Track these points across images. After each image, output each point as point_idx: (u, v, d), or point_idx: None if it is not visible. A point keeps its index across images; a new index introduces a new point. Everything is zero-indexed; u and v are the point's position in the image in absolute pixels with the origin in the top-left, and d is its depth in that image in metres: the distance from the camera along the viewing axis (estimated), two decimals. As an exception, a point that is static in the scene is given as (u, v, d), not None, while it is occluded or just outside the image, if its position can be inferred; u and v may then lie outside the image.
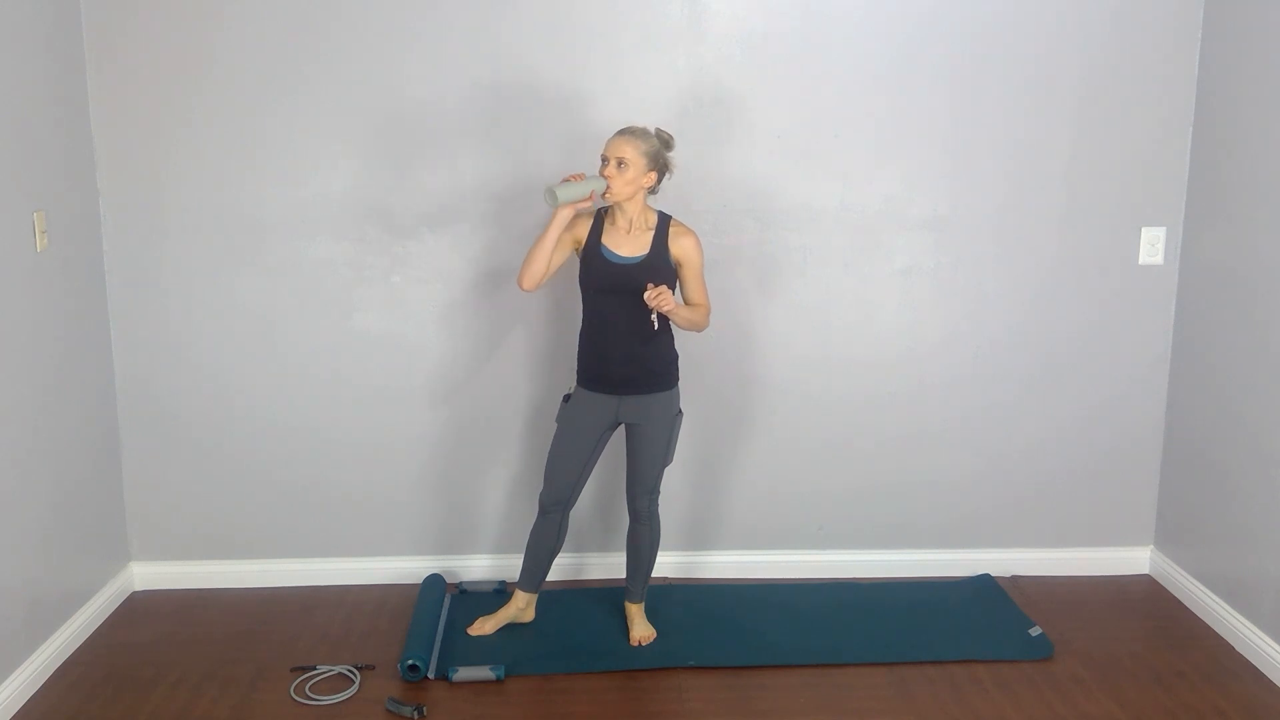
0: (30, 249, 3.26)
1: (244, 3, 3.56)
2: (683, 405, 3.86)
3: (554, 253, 3.30)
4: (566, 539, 3.64)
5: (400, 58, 3.62)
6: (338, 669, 3.35)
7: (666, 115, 3.67)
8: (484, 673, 3.29)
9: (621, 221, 3.31)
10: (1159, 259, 3.84)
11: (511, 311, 3.79)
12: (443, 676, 3.29)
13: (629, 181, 3.21)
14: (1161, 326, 3.90)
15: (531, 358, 3.83)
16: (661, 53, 3.66)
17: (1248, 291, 3.48)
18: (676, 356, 3.43)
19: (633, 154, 3.20)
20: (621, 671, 3.35)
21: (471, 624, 3.57)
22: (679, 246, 3.30)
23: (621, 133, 3.24)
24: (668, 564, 3.95)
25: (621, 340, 3.31)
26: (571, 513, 3.54)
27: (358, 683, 3.28)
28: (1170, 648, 3.52)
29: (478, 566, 3.96)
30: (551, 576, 3.93)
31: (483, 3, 3.59)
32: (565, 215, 3.24)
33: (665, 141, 3.29)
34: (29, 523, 3.27)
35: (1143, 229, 3.83)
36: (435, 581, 3.80)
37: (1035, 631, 3.56)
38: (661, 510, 3.86)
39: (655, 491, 3.49)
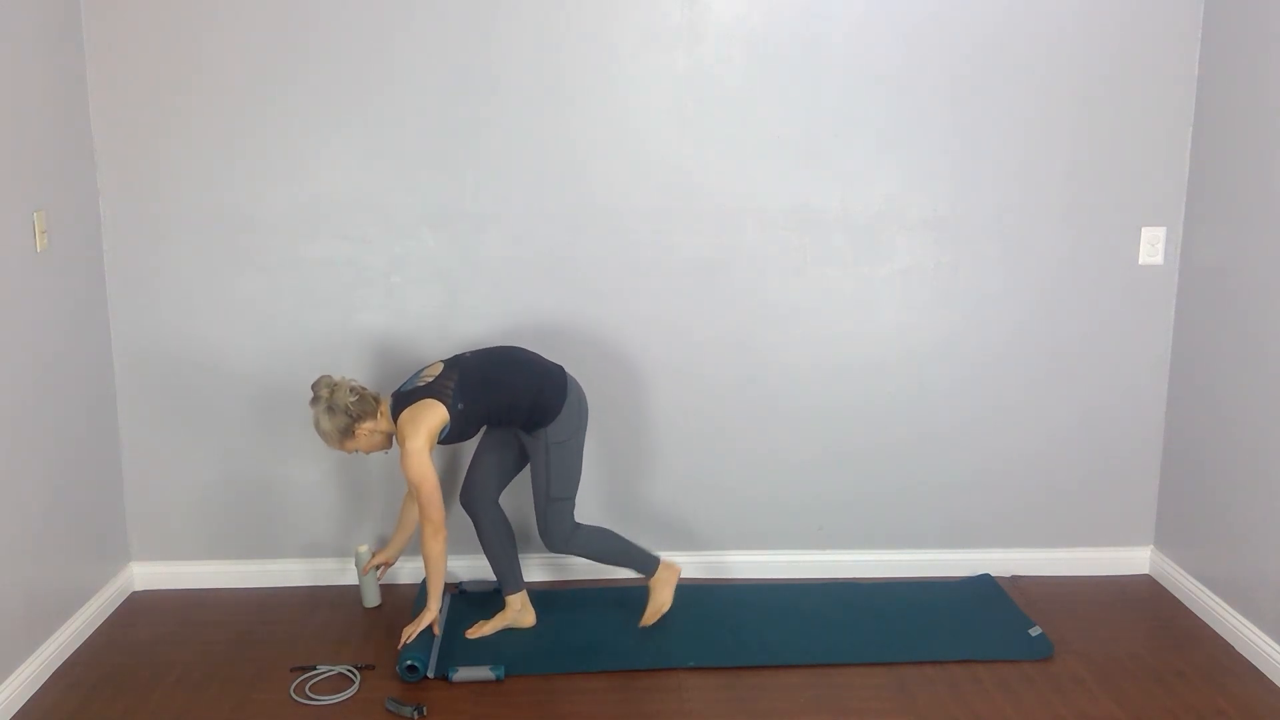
0: (30, 249, 3.26)
1: (244, 3, 3.56)
2: (683, 405, 3.87)
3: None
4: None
5: (399, 57, 3.62)
6: (338, 669, 3.35)
7: (666, 115, 3.68)
8: (484, 673, 3.29)
9: None
10: (1159, 259, 3.84)
11: (511, 312, 3.79)
12: (442, 676, 3.29)
13: (371, 449, 3.39)
14: (1161, 326, 3.90)
15: (531, 358, 3.83)
16: (661, 53, 3.66)
17: (1248, 292, 3.48)
18: (534, 405, 3.35)
19: (343, 449, 3.35)
20: (621, 671, 3.35)
21: (470, 627, 3.58)
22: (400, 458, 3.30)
23: (326, 444, 3.39)
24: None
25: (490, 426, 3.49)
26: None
27: (358, 683, 3.28)
28: (1170, 648, 3.52)
29: (478, 566, 3.96)
30: (550, 577, 3.95)
31: (482, 2, 3.60)
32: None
33: (327, 405, 3.27)
34: (29, 522, 3.27)
35: (1143, 229, 3.83)
36: (435, 581, 3.80)
37: (1035, 631, 3.56)
38: (660, 510, 3.87)
39: (550, 533, 3.46)
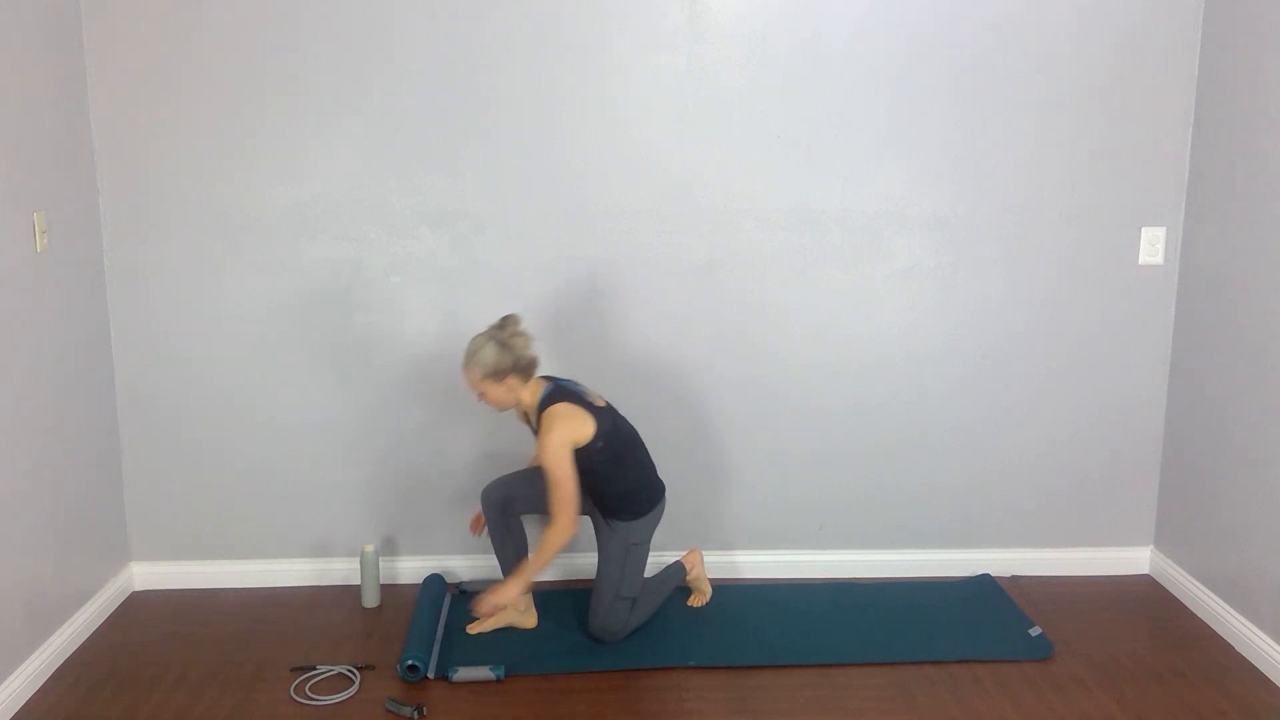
0: (30, 249, 3.26)
1: (243, 4, 3.56)
2: (682, 404, 3.87)
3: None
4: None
5: (400, 57, 3.62)
6: (338, 669, 3.35)
7: (666, 116, 3.68)
8: (484, 673, 3.29)
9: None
10: (1159, 259, 3.85)
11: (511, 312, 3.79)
12: (443, 676, 3.30)
13: (495, 402, 3.29)
14: (1161, 326, 3.90)
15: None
16: (661, 53, 3.66)
17: (1247, 292, 3.48)
18: (631, 495, 3.40)
19: (478, 382, 3.25)
20: (621, 671, 3.35)
21: (471, 622, 3.58)
22: (539, 446, 3.27)
23: (463, 365, 3.27)
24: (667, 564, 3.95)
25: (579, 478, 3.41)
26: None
27: (358, 683, 3.28)
28: (1170, 648, 3.52)
29: (478, 566, 3.96)
30: (551, 576, 3.94)
31: (483, 1, 3.60)
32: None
33: (501, 340, 3.23)
34: (29, 522, 3.27)
35: (1143, 229, 3.83)
36: (435, 581, 3.80)
37: (1035, 631, 3.56)
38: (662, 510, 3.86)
39: (610, 629, 3.44)
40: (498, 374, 3.23)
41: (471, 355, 3.24)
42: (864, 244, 3.80)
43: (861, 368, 3.89)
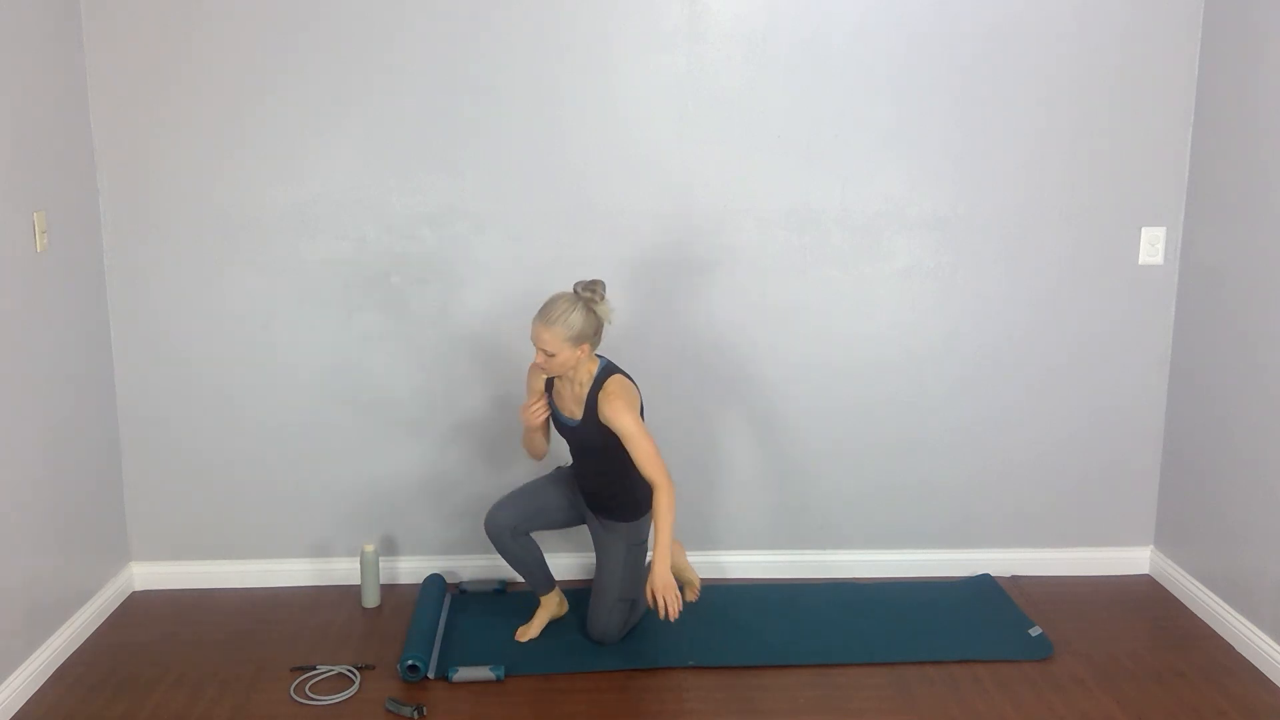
0: (30, 249, 3.26)
1: (243, 4, 3.56)
2: (681, 405, 3.87)
3: (538, 430, 3.45)
4: (567, 539, 3.63)
5: (400, 57, 3.62)
6: (338, 669, 3.35)
7: (666, 115, 3.68)
8: (484, 673, 3.29)
9: (565, 383, 3.35)
10: (1159, 259, 3.85)
11: (511, 312, 3.78)
12: (443, 676, 3.30)
13: (559, 365, 3.22)
14: (1161, 326, 3.90)
15: (531, 358, 3.82)
16: (661, 53, 3.66)
17: (1248, 292, 3.48)
18: (637, 490, 3.36)
19: (554, 342, 3.17)
20: (621, 671, 3.35)
21: (515, 630, 3.54)
22: (604, 413, 3.23)
23: (539, 319, 3.19)
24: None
25: (583, 475, 3.44)
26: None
27: (358, 683, 3.28)
28: (1170, 648, 3.52)
29: (478, 566, 3.96)
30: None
31: (483, 1, 3.60)
32: (535, 416, 3.38)
33: (588, 301, 3.20)
34: (29, 522, 3.27)
35: (1143, 229, 3.83)
36: (435, 581, 3.80)
37: (1035, 631, 3.56)
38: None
39: (610, 631, 3.42)
40: (580, 339, 3.20)
41: (560, 315, 3.17)
42: (864, 244, 3.80)
43: (861, 367, 3.89)
